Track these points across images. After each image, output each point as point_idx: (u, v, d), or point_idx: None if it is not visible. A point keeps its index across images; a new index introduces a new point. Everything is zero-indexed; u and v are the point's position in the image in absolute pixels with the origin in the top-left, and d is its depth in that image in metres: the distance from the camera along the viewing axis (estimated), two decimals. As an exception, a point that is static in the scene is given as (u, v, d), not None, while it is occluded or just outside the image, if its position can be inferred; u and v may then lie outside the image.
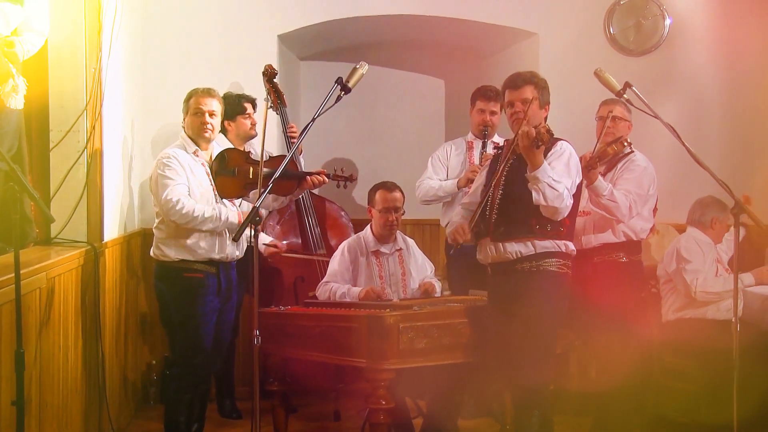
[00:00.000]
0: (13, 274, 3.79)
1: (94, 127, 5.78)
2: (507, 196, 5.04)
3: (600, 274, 5.88)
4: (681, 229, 6.84)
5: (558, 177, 4.82)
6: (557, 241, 4.99)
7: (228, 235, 5.57)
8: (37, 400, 4.46)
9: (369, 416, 5.10)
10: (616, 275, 5.91)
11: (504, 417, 5.74)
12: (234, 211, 5.51)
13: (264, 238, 6.32)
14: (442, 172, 6.79)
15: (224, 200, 5.61)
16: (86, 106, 5.72)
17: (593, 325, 5.77)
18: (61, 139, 5.64)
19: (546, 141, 4.72)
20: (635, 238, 5.99)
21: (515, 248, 5.00)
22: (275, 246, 6.31)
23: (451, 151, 6.86)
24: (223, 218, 5.41)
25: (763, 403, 5.32)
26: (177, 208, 5.27)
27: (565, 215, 4.90)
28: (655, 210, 6.28)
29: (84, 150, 5.71)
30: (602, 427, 5.94)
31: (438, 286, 6.10)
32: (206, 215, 5.35)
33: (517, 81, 5.12)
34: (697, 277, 6.16)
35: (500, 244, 5.06)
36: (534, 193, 4.79)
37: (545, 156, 4.90)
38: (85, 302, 5.51)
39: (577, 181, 5.04)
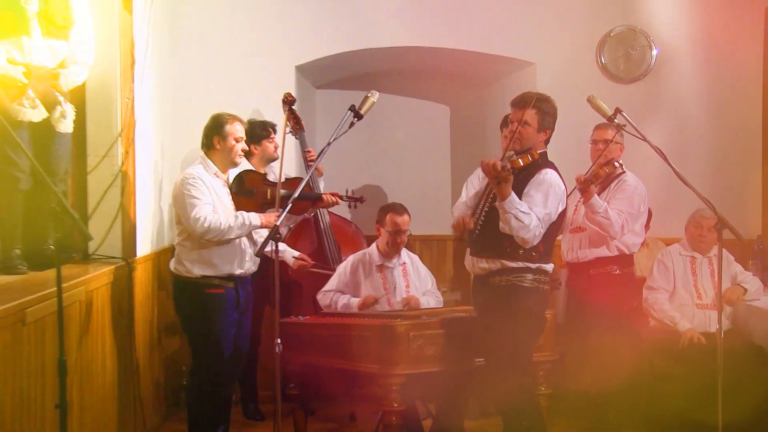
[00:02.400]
0: (55, 288, 3.77)
1: (127, 153, 5.82)
2: (489, 214, 4.91)
3: (595, 286, 5.93)
4: (669, 243, 6.87)
5: (529, 207, 4.69)
6: (530, 262, 4.86)
7: (248, 249, 5.57)
8: (78, 403, 4.49)
9: (382, 418, 5.10)
10: (610, 286, 5.96)
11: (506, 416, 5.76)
12: (254, 213, 5.45)
13: (293, 252, 6.34)
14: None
15: None
16: (120, 132, 5.75)
17: (589, 332, 5.80)
18: (97, 164, 5.67)
19: (505, 178, 4.58)
20: (627, 252, 6.05)
21: (487, 263, 4.93)
22: (303, 260, 6.33)
23: (483, 174, 6.86)
24: (247, 222, 5.36)
25: (744, 403, 5.32)
26: (205, 225, 5.25)
27: (535, 243, 4.72)
28: (647, 225, 6.33)
29: (119, 173, 5.73)
30: (598, 427, 5.96)
31: (435, 299, 6.14)
32: (231, 224, 5.32)
33: (520, 101, 4.94)
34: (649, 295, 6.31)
35: (475, 258, 5.05)
36: (501, 222, 4.69)
37: (530, 179, 4.81)
38: (120, 313, 5.53)
39: (560, 209, 4.87)
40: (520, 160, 4.78)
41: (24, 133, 4.87)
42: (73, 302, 4.54)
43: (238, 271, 5.50)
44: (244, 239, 5.56)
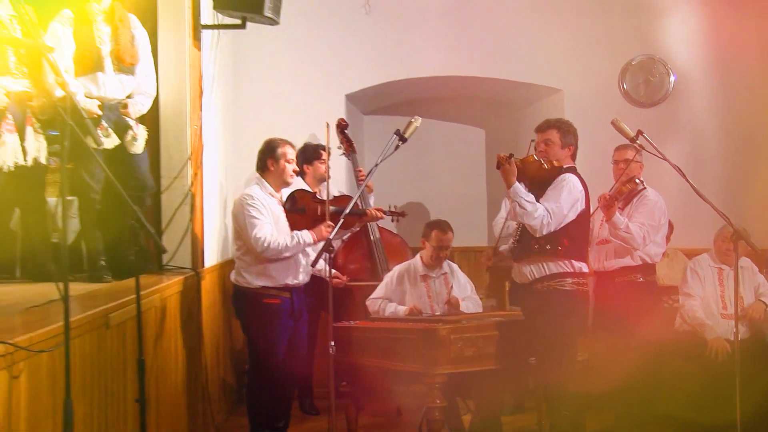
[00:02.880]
0: (135, 296, 3.83)
1: (196, 174, 5.90)
2: (524, 226, 5.14)
3: (620, 292, 5.91)
4: (688, 253, 6.85)
5: (540, 201, 4.94)
6: (564, 261, 5.03)
7: (302, 262, 5.56)
8: (154, 398, 4.54)
9: (426, 413, 5.10)
10: (634, 293, 5.92)
11: (539, 412, 5.76)
12: (306, 231, 5.44)
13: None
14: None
15: None
16: (190, 156, 5.83)
17: (615, 335, 5.79)
18: (170, 184, 5.75)
19: (502, 164, 5.00)
20: (650, 261, 6.02)
21: (528, 269, 5.09)
22: (338, 278, 6.37)
23: None
24: (301, 242, 5.36)
25: (760, 402, 5.30)
26: (265, 245, 5.26)
27: (543, 232, 4.93)
28: (669, 237, 6.31)
29: (188, 193, 5.81)
30: (623, 420, 5.95)
31: (474, 303, 6.16)
32: (288, 245, 5.33)
33: (542, 125, 5.29)
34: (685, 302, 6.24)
35: (518, 265, 5.17)
36: (511, 210, 5.00)
37: (551, 183, 5.05)
38: (189, 318, 5.58)
39: (578, 208, 5.06)
40: (534, 156, 5.12)
41: (99, 157, 4.99)
42: (150, 308, 4.60)
43: (293, 282, 5.50)
44: (301, 256, 5.61)
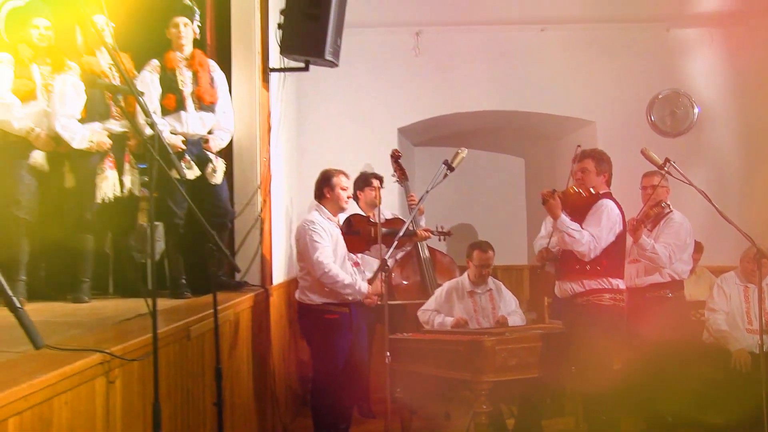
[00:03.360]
0: (212, 311, 3.90)
1: (265, 201, 5.97)
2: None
3: (651, 307, 5.88)
4: (714, 271, 6.79)
5: (586, 227, 4.95)
6: (602, 279, 5.05)
7: (359, 280, 5.59)
8: (229, 401, 4.58)
9: (473, 417, 5.12)
10: (664, 307, 5.90)
11: (577, 416, 5.74)
12: (366, 284, 5.47)
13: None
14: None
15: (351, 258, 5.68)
16: (259, 185, 5.89)
17: (647, 346, 5.75)
18: (242, 211, 5.81)
19: (546, 200, 4.97)
20: (678, 278, 5.99)
21: (569, 285, 5.10)
22: (370, 298, 6.37)
23: None
24: (356, 288, 5.41)
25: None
26: (326, 270, 5.31)
27: (591, 257, 4.96)
28: (696, 256, 6.26)
29: (258, 218, 5.87)
30: (653, 424, 5.90)
31: (519, 317, 6.15)
32: (346, 283, 5.36)
33: (578, 155, 5.35)
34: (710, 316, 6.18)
35: (560, 282, 5.18)
36: (559, 239, 4.99)
37: (590, 209, 5.05)
38: (260, 330, 5.61)
39: (617, 230, 5.06)
40: (573, 188, 5.09)
41: (183, 187, 5.10)
42: (225, 321, 4.64)
43: (351, 298, 5.52)
44: (357, 273, 5.65)
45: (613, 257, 5.09)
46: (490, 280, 6.17)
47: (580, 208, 5.15)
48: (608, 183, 5.27)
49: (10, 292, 1.75)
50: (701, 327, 6.40)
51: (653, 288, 5.97)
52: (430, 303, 6.17)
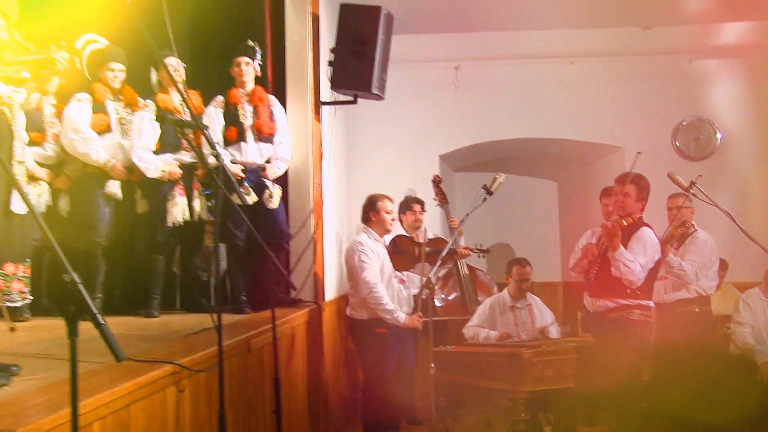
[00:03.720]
0: (271, 325, 3.96)
1: (317, 224, 6.00)
2: (603, 265, 5.06)
3: (679, 322, 5.80)
4: (739, 286, 6.68)
5: (634, 256, 4.82)
6: (633, 297, 4.97)
7: (404, 296, 5.59)
8: (286, 409, 4.57)
9: (512, 425, 5.10)
10: (691, 322, 5.82)
11: (609, 424, 5.67)
12: (403, 314, 5.43)
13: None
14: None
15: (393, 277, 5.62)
16: (312, 209, 5.94)
17: (675, 358, 5.67)
18: (296, 232, 5.85)
19: (616, 233, 4.81)
20: (704, 294, 5.90)
21: (603, 302, 5.03)
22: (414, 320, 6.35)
23: (589, 234, 6.78)
24: (395, 316, 5.37)
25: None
26: (372, 290, 5.32)
27: (639, 284, 4.88)
28: (721, 273, 6.17)
29: (311, 239, 5.90)
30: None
31: (556, 330, 6.10)
32: (388, 308, 5.34)
33: (622, 178, 5.13)
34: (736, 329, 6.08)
35: (593, 299, 5.11)
36: (612, 267, 4.84)
37: (631, 236, 4.92)
38: (314, 343, 5.64)
39: (656, 257, 4.98)
40: (624, 221, 4.95)
41: (243, 211, 5.15)
42: (282, 335, 4.69)
43: (392, 323, 5.47)
44: (403, 289, 5.65)
45: (647, 281, 5.04)
46: (529, 295, 6.14)
47: (622, 234, 5.07)
48: (643, 209, 5.19)
49: (95, 310, 1.79)
50: (728, 340, 6.30)
51: (681, 303, 5.89)
52: (475, 319, 6.15)
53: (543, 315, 6.14)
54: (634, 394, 5.03)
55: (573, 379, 5.11)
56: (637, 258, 4.84)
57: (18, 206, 3.05)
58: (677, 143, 7.74)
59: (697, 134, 7.73)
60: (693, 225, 5.99)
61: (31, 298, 3.17)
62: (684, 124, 7.74)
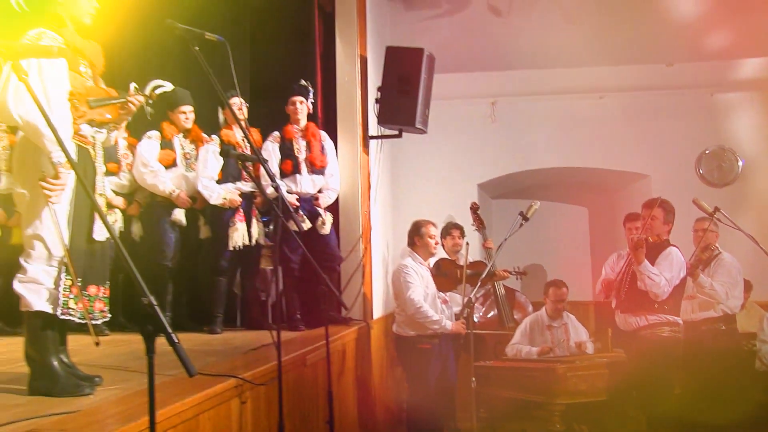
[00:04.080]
0: (324, 342, 3.94)
1: (366, 248, 6.03)
2: (631, 284, 5.05)
3: (706, 339, 5.71)
4: (763, 305, 6.53)
5: (659, 270, 4.90)
6: (663, 314, 4.98)
7: (446, 315, 5.55)
8: (338, 419, 4.57)
9: (547, 435, 5.08)
10: (718, 339, 5.73)
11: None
12: (449, 322, 5.42)
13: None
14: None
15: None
16: (361, 235, 5.97)
17: (703, 373, 5.58)
18: (347, 256, 5.87)
19: (640, 245, 4.92)
20: (730, 313, 5.81)
21: (634, 319, 5.00)
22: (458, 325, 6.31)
23: (615, 257, 6.72)
24: (442, 324, 5.36)
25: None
26: (417, 307, 5.31)
27: (663, 297, 4.91)
28: (746, 293, 6.08)
29: (360, 263, 5.93)
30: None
31: (591, 345, 6.02)
32: (434, 319, 5.33)
33: (650, 203, 5.27)
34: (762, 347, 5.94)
35: (624, 315, 5.08)
36: (638, 281, 4.91)
37: (659, 254, 4.99)
38: (363, 357, 5.67)
39: (681, 275, 4.99)
40: (650, 238, 5.07)
41: (298, 236, 5.21)
42: (335, 351, 4.72)
43: (440, 331, 5.47)
44: (446, 309, 5.64)
45: (674, 296, 5.03)
46: (565, 314, 6.08)
47: (648, 251, 5.09)
48: (670, 231, 5.20)
49: (170, 330, 1.84)
50: (753, 356, 6.15)
51: (708, 321, 5.79)
52: (517, 337, 6.09)
53: (578, 333, 6.07)
54: (665, 405, 4.97)
55: (605, 392, 5.06)
56: (663, 273, 4.90)
57: (99, 233, 3.13)
58: (701, 171, 7.63)
59: (719, 162, 7.61)
60: (717, 248, 5.90)
61: (110, 315, 3.27)
62: (707, 152, 7.63)
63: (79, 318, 3.02)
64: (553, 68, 7.68)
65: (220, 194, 5.40)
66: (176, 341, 1.84)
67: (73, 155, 2.95)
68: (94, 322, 3.07)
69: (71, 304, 3.00)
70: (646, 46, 7.67)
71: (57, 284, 2.97)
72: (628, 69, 7.61)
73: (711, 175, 7.63)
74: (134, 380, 3.19)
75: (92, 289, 3.14)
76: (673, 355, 5.00)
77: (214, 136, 5.56)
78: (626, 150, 7.74)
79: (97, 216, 3.07)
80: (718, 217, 5.31)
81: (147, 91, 5.26)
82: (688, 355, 5.25)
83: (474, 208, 6.78)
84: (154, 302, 1.85)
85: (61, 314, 2.97)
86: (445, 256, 6.33)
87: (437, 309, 5.54)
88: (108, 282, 3.26)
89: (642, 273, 4.90)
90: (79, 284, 3.02)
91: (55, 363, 2.97)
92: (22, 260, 2.96)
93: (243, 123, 5.11)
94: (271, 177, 3.62)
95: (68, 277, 2.97)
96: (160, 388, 2.79)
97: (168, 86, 5.52)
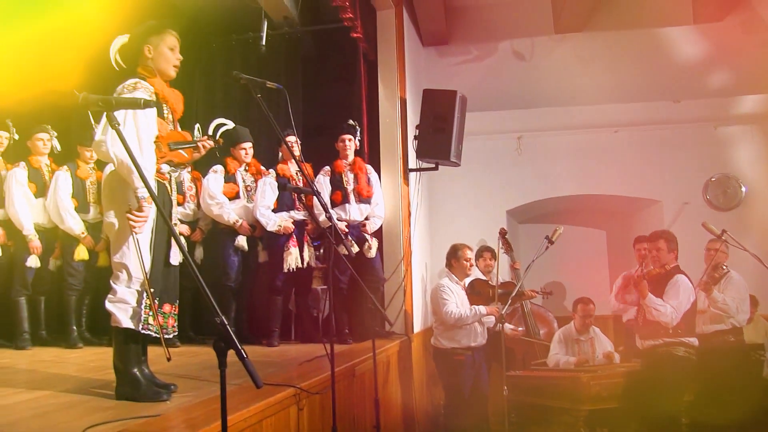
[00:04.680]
0: (371, 354, 3.91)
1: (407, 270, 6.01)
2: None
3: (716, 350, 5.55)
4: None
5: (664, 300, 4.80)
6: (680, 338, 4.87)
7: (479, 328, 5.47)
8: (384, 425, 4.52)
9: (573, 439, 4.97)
10: (727, 350, 5.57)
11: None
12: (483, 306, 5.39)
13: (510, 326, 6.22)
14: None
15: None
16: (402, 258, 5.96)
17: (714, 382, 5.42)
18: (389, 277, 5.87)
19: (636, 284, 4.88)
20: (738, 326, 5.65)
21: (651, 342, 4.91)
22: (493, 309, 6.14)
23: (619, 280, 6.59)
24: (478, 312, 5.31)
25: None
26: (454, 316, 5.29)
27: (674, 324, 4.79)
28: (752, 308, 5.92)
29: (402, 283, 5.91)
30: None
31: (617, 356, 5.90)
32: (468, 315, 5.30)
33: (652, 236, 5.16)
34: None
35: (643, 340, 5.00)
36: (647, 314, 4.83)
37: (667, 282, 4.89)
38: (404, 368, 5.63)
39: (691, 299, 4.89)
40: (652, 269, 4.99)
41: (347, 260, 5.22)
42: (380, 362, 4.67)
43: (474, 344, 5.45)
44: (478, 325, 5.58)
45: (686, 319, 4.91)
46: (592, 328, 5.96)
47: (658, 282, 5.00)
48: (676, 257, 5.08)
49: (239, 346, 1.83)
50: (760, 365, 5.97)
51: (717, 334, 5.64)
52: (553, 348, 5.97)
53: (603, 345, 5.95)
54: (678, 411, 4.91)
55: (624, 399, 4.95)
56: (669, 301, 4.78)
57: (174, 258, 3.19)
58: (708, 197, 7.49)
59: (724, 188, 7.47)
60: (726, 267, 5.77)
61: (178, 331, 3.32)
62: (713, 180, 7.49)
63: (156, 333, 3.07)
64: (572, 106, 7.68)
65: (275, 222, 5.43)
66: (245, 356, 1.83)
67: (155, 191, 3.02)
68: (167, 336, 3.11)
69: (150, 320, 3.05)
70: (655, 85, 7.68)
71: (139, 303, 3.02)
72: (639, 106, 7.58)
73: (717, 200, 7.48)
74: (204, 388, 3.21)
75: (167, 308, 3.18)
76: (684, 371, 4.88)
77: (270, 170, 5.61)
78: (640, 178, 7.65)
79: (173, 242, 3.12)
80: (725, 238, 5.18)
81: (210, 129, 5.40)
82: (700, 365, 5.11)
83: (502, 233, 6.73)
84: (225, 321, 1.85)
85: (142, 329, 3.02)
86: (479, 276, 6.28)
87: (472, 325, 5.46)
88: (178, 300, 3.30)
89: (648, 306, 4.83)
90: (156, 303, 3.07)
91: (137, 372, 3.02)
92: (112, 282, 3.04)
93: (297, 158, 5.16)
94: (325, 208, 3.65)
95: (148, 297, 3.02)
96: (228, 396, 2.79)
97: (229, 124, 5.64)
